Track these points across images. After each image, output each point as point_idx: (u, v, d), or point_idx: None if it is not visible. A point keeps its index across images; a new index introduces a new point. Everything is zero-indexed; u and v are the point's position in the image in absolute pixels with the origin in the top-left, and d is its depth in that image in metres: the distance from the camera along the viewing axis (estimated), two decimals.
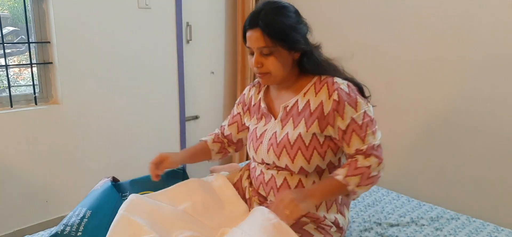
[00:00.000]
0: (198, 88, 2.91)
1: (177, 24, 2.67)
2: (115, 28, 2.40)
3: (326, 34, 2.59)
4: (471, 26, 1.99)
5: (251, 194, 1.38)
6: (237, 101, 1.51)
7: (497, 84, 1.95)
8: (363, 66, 2.44)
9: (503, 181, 1.97)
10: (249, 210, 1.34)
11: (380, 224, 1.56)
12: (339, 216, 1.31)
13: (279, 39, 1.18)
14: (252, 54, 1.24)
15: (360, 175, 1.16)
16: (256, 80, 1.46)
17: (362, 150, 1.18)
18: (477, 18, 1.97)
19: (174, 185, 1.36)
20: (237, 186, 1.46)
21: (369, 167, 1.16)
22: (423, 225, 1.55)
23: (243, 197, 1.41)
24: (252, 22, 1.20)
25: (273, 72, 1.22)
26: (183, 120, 2.84)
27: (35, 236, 1.42)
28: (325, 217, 1.27)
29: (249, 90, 1.46)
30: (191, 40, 2.79)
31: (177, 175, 1.52)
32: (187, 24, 2.75)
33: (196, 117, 2.95)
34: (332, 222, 1.28)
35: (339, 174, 1.17)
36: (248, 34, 1.21)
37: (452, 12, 2.05)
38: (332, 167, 1.28)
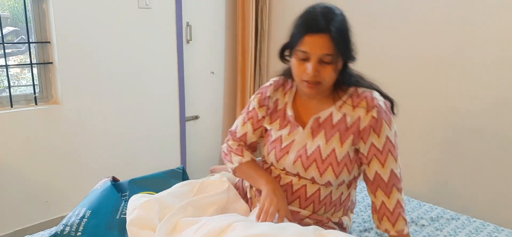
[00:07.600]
0: (198, 88, 2.91)
1: (177, 24, 2.67)
2: (115, 28, 2.40)
3: None
4: (473, 26, 1.99)
5: (253, 194, 1.37)
6: (256, 102, 1.32)
7: (498, 84, 1.94)
8: (363, 66, 2.44)
9: (503, 181, 1.97)
10: (250, 210, 1.34)
11: None
12: (343, 218, 1.31)
13: (344, 48, 1.10)
14: (304, 59, 1.11)
15: (401, 217, 1.17)
16: (277, 79, 1.31)
17: (384, 181, 1.16)
18: (478, 18, 1.97)
19: (175, 186, 1.36)
20: (237, 186, 1.46)
21: (398, 201, 1.16)
22: (423, 225, 1.55)
23: (244, 196, 1.41)
24: (320, 26, 1.07)
25: (326, 82, 1.13)
26: (183, 120, 2.84)
27: (35, 236, 1.41)
28: (328, 219, 1.26)
29: (274, 91, 1.30)
30: (191, 40, 2.79)
31: (177, 175, 1.52)
32: (187, 24, 2.75)
33: (196, 117, 2.95)
34: (336, 223, 1.28)
35: (390, 231, 1.17)
36: (310, 38, 1.08)
37: (453, 12, 2.05)
38: (353, 179, 1.27)
